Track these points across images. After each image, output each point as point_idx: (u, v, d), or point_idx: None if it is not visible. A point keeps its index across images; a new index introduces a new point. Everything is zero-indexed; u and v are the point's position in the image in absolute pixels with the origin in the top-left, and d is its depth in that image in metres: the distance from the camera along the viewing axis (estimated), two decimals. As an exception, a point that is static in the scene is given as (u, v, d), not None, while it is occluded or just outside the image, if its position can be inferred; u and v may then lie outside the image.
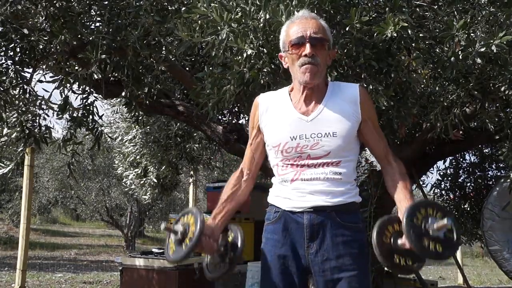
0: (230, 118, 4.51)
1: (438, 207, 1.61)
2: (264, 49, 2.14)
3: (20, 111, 3.26)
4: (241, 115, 4.48)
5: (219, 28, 2.06)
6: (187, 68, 3.98)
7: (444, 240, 1.54)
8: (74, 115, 3.42)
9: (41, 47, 3.07)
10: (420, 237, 1.53)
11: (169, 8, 2.83)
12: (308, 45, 1.66)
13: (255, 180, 1.88)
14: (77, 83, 3.34)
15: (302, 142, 1.68)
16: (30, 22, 2.92)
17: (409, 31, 2.11)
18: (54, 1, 2.87)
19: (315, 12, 2.00)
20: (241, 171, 1.87)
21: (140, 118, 4.30)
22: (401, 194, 1.70)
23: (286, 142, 1.70)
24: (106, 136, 4.18)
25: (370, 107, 1.77)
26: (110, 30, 2.92)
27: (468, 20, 2.16)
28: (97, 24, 3.21)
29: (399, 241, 1.60)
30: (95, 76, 3.27)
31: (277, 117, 1.74)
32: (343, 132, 1.68)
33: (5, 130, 3.35)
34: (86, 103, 3.51)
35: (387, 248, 1.63)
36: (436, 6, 2.39)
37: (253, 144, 1.83)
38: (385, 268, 4.51)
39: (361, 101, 1.72)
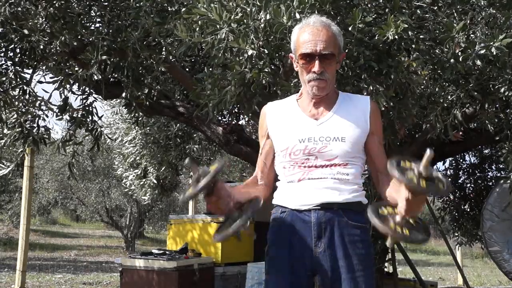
0: (230, 119, 4.52)
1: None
2: (265, 50, 2.14)
3: (19, 112, 3.26)
4: (241, 116, 4.48)
5: (218, 27, 2.06)
6: (187, 69, 3.98)
7: (432, 179, 1.51)
8: (74, 116, 3.42)
9: (41, 48, 3.07)
10: (406, 172, 1.50)
11: (169, 9, 2.83)
12: (317, 62, 1.65)
13: (271, 190, 1.82)
14: (77, 84, 3.34)
15: (310, 144, 1.68)
16: (30, 23, 2.92)
17: (409, 33, 2.11)
18: (54, 2, 2.87)
19: (316, 13, 2.00)
20: (255, 177, 1.83)
21: (140, 119, 4.30)
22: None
23: (295, 145, 1.70)
24: (106, 137, 4.18)
25: (378, 122, 1.77)
26: (110, 31, 2.92)
27: (468, 21, 2.16)
28: (97, 25, 3.21)
29: (397, 217, 1.55)
30: (95, 77, 3.27)
31: (286, 122, 1.74)
32: (351, 138, 1.68)
33: (5, 131, 3.35)
34: (86, 104, 3.50)
35: (387, 222, 1.56)
36: (436, 8, 2.39)
37: (263, 153, 1.82)
38: (385, 269, 4.52)
39: (371, 113, 1.72)
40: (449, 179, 5.14)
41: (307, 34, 1.69)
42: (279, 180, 1.78)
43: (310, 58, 1.66)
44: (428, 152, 1.47)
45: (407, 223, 1.54)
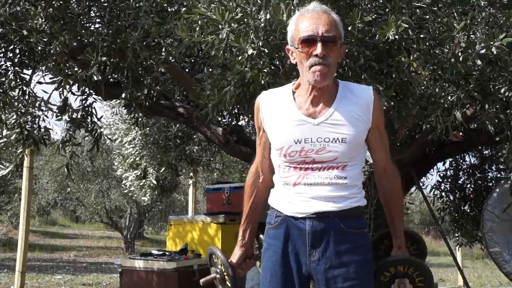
0: (229, 119, 4.51)
1: (410, 263, 1.73)
2: (265, 49, 2.14)
3: (19, 113, 3.25)
4: (241, 116, 4.47)
5: (220, 27, 2.05)
6: (187, 70, 3.97)
7: None
8: (74, 116, 3.42)
9: (40, 48, 3.06)
10: None
11: (169, 9, 2.83)
12: (319, 45, 1.55)
13: (272, 174, 1.80)
14: (76, 84, 3.34)
15: (307, 146, 1.60)
16: (29, 24, 2.91)
17: (410, 32, 2.11)
18: (54, 2, 2.86)
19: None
20: (256, 172, 1.83)
21: (140, 119, 4.29)
22: (391, 217, 1.78)
23: (290, 145, 1.62)
24: (106, 137, 4.18)
25: (381, 114, 1.70)
26: (110, 31, 2.91)
27: (468, 21, 2.16)
28: (97, 25, 3.21)
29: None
30: (95, 78, 3.26)
31: (280, 118, 1.66)
32: (352, 138, 1.61)
33: (5, 132, 3.34)
34: (86, 105, 3.50)
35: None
36: (436, 8, 2.39)
37: (261, 144, 1.78)
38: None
39: (374, 107, 1.64)
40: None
41: (307, 19, 1.60)
42: (275, 175, 1.74)
43: (312, 41, 1.56)
44: None
45: None
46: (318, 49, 1.56)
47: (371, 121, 1.65)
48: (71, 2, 2.99)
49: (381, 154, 1.74)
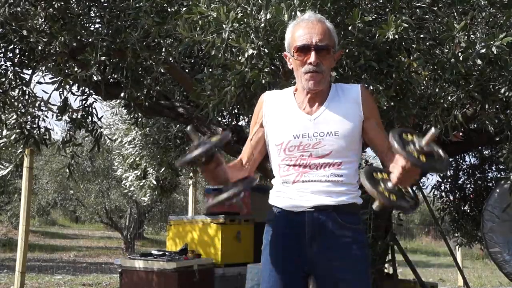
0: (230, 119, 4.51)
1: (415, 132, 1.56)
2: (265, 49, 2.14)
3: (19, 113, 3.25)
4: (241, 116, 4.47)
5: (224, 26, 2.05)
6: (187, 70, 3.98)
7: (431, 155, 1.50)
8: (74, 116, 3.42)
9: (40, 48, 3.06)
10: (406, 145, 1.49)
11: (169, 9, 2.83)
12: (313, 53, 1.65)
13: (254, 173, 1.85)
14: (76, 84, 3.34)
15: (305, 140, 1.68)
16: (29, 24, 2.92)
17: (410, 32, 2.12)
18: (53, 3, 2.87)
19: (317, 12, 2.00)
20: (240, 160, 1.84)
21: (140, 119, 4.29)
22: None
23: (289, 140, 1.70)
24: (106, 137, 4.18)
25: (372, 106, 1.77)
26: (110, 31, 2.92)
27: (468, 21, 2.16)
28: (97, 25, 3.21)
29: (389, 184, 1.54)
30: (95, 78, 3.26)
31: (282, 115, 1.75)
32: (345, 131, 1.69)
33: (4, 132, 3.34)
34: (86, 105, 3.50)
35: (377, 185, 1.56)
36: (436, 8, 2.39)
37: (253, 139, 1.83)
38: (385, 270, 4.51)
39: (362, 100, 1.73)
40: (449, 176, 5.17)
41: (302, 28, 1.70)
42: (274, 177, 1.79)
43: (306, 50, 1.66)
44: (432, 130, 1.47)
45: (398, 191, 1.54)
46: (312, 57, 1.66)
47: (362, 113, 1.72)
48: (71, 2, 2.99)
49: (383, 140, 1.73)
